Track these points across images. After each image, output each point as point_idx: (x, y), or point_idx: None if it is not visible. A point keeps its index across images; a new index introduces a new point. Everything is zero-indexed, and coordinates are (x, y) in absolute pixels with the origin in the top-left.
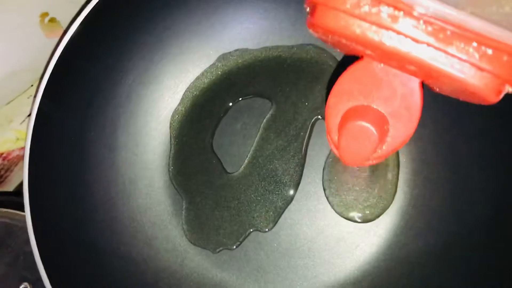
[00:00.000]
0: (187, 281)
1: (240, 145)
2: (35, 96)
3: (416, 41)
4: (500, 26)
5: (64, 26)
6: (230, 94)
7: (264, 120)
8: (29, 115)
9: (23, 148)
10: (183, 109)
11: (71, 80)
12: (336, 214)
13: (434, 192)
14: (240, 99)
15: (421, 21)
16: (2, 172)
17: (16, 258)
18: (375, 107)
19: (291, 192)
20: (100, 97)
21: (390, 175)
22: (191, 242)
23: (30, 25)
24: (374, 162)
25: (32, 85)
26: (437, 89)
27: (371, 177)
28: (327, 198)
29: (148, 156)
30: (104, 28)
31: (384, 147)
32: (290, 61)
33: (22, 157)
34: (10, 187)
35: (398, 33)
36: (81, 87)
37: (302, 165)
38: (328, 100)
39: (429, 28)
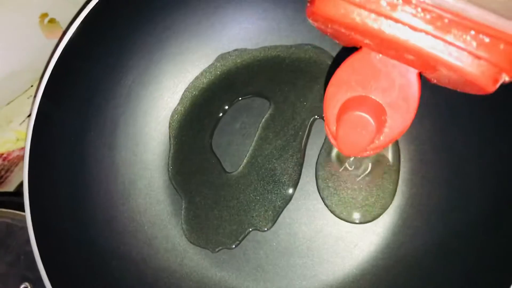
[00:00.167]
0: (187, 281)
1: (239, 144)
2: (35, 96)
3: (415, 29)
4: (498, 14)
5: (64, 26)
6: (229, 94)
7: (263, 120)
8: (29, 115)
9: (23, 149)
10: (182, 109)
11: (71, 80)
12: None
13: (432, 191)
14: (239, 99)
15: (420, 9)
16: (2, 172)
17: (16, 258)
18: (373, 97)
19: (290, 191)
20: (99, 97)
21: (389, 175)
22: (191, 242)
23: (30, 26)
24: (372, 153)
25: (32, 85)
26: (435, 80)
27: (368, 178)
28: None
29: (147, 156)
30: (103, 29)
31: (381, 138)
32: (288, 61)
33: (22, 158)
34: (10, 187)
35: (397, 21)
36: (81, 87)
37: (300, 165)
38: (326, 90)
39: (428, 16)
